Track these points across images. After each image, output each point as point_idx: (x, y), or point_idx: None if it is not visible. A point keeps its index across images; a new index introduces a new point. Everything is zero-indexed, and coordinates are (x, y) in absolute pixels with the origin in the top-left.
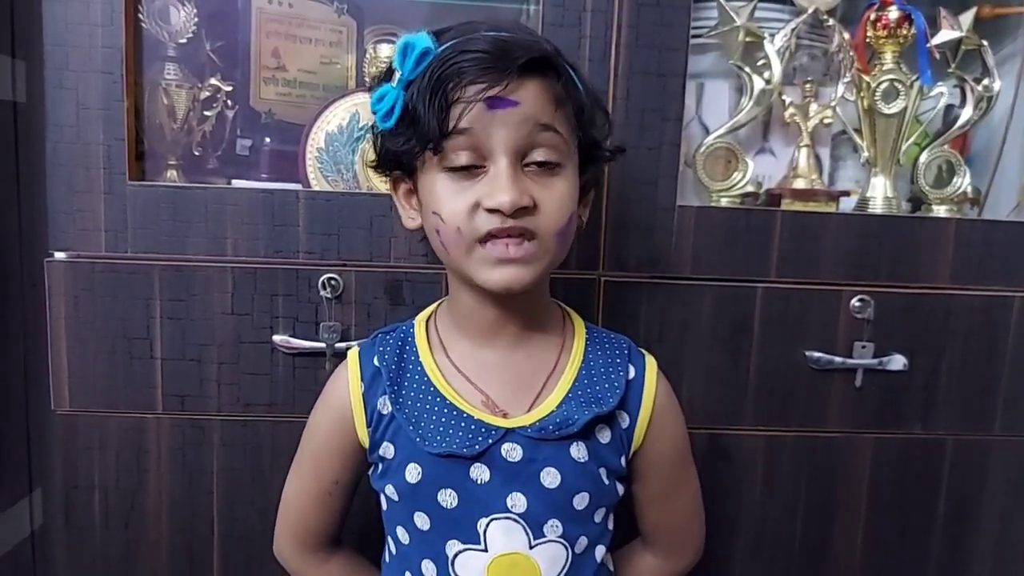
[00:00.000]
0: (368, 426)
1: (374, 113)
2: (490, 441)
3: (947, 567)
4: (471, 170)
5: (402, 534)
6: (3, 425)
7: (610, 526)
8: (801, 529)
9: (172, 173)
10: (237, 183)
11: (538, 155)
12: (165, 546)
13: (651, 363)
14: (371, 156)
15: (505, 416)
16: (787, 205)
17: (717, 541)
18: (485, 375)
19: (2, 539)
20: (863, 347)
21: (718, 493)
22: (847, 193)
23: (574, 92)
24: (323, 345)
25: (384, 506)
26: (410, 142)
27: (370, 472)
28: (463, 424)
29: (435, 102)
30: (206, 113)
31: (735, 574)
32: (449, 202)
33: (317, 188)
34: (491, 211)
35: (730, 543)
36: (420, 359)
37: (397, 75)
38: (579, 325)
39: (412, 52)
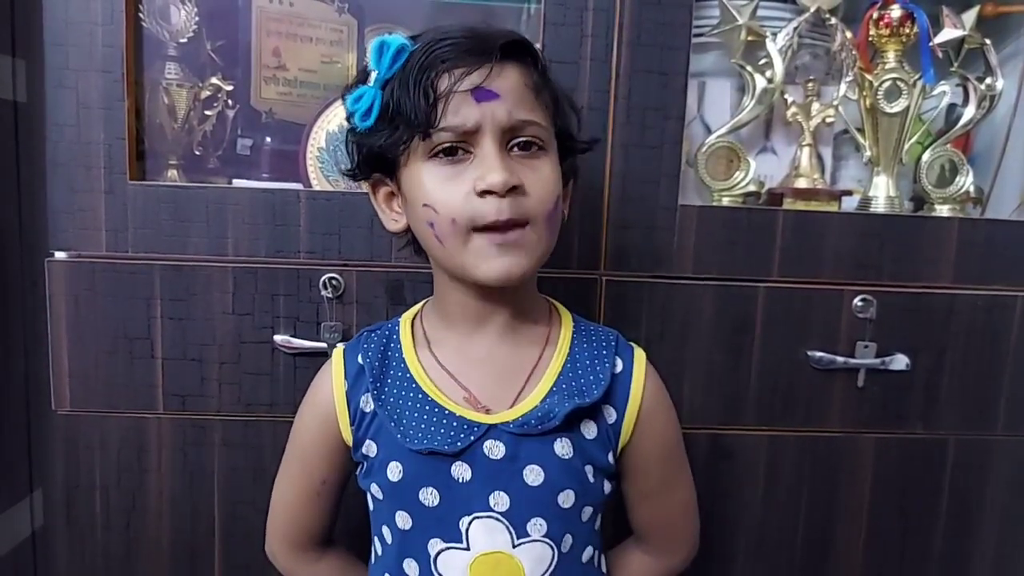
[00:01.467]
0: (351, 424)
1: (350, 116)
2: (472, 438)
3: (949, 567)
4: (457, 154)
5: (387, 533)
6: (3, 425)
7: (598, 526)
8: (803, 529)
9: (173, 173)
10: (238, 183)
11: (520, 138)
12: (166, 546)
13: (639, 356)
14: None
15: (487, 412)
16: (789, 204)
17: (719, 541)
18: (468, 371)
19: (3, 539)
20: (865, 347)
21: (720, 493)
22: (849, 192)
23: (548, 81)
24: (324, 345)
25: (371, 506)
26: (395, 134)
27: (357, 471)
28: (444, 421)
29: (419, 90)
30: (207, 112)
31: (737, 573)
32: (440, 191)
33: (318, 188)
34: (483, 194)
35: (732, 543)
36: (403, 356)
37: (373, 75)
38: (566, 319)
39: (388, 50)
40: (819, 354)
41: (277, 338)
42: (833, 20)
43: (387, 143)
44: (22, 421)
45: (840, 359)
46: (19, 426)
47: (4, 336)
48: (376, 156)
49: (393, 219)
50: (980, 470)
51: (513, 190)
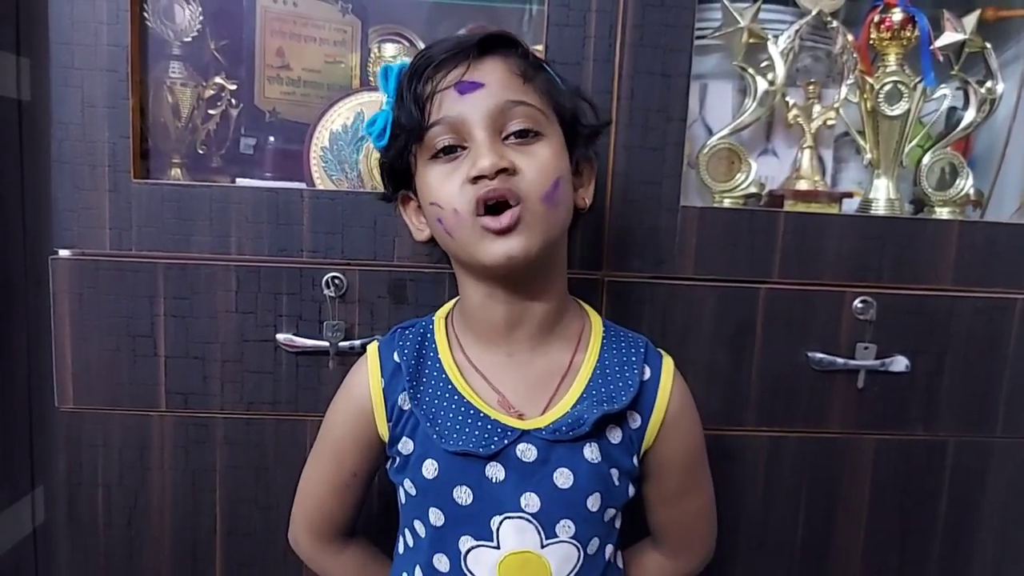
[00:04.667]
0: (388, 421)
1: (369, 138)
2: (506, 442)
3: (948, 568)
4: (455, 152)
5: (419, 527)
6: (6, 422)
7: (618, 524)
8: (803, 530)
9: (176, 171)
10: (241, 182)
11: (515, 126)
12: (167, 544)
13: (668, 364)
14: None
15: (521, 417)
16: (790, 206)
17: (719, 541)
18: (501, 374)
19: (4, 536)
20: (865, 348)
21: (720, 494)
22: (850, 195)
23: (541, 70)
24: (326, 344)
25: (402, 499)
26: (397, 143)
27: (388, 465)
28: (480, 423)
29: (410, 97)
30: (210, 112)
31: (736, 573)
32: (441, 187)
33: (321, 187)
34: (476, 180)
35: (732, 543)
36: (439, 356)
37: (384, 100)
38: (596, 322)
39: (392, 73)
40: (819, 355)
41: (280, 337)
42: (834, 23)
43: (394, 154)
44: (25, 418)
45: (840, 360)
46: (22, 423)
47: (8, 333)
48: (395, 171)
49: (419, 229)
50: (980, 472)
51: (504, 172)
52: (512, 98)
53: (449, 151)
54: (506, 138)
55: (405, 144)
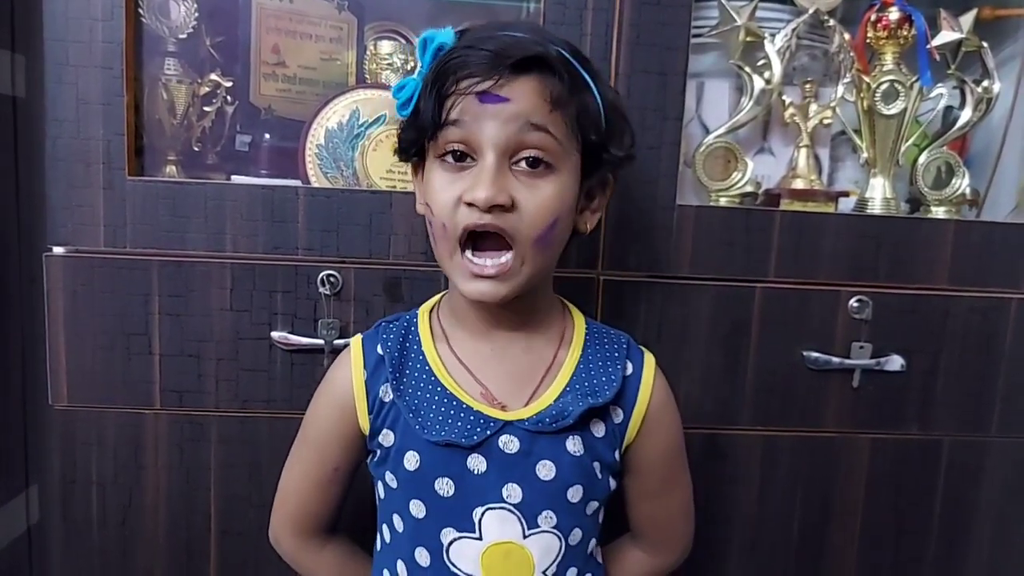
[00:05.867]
0: (369, 413)
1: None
2: (488, 432)
3: (943, 567)
4: (462, 161)
5: (397, 522)
6: (0, 420)
7: (600, 519)
8: (797, 529)
9: (171, 169)
10: (236, 179)
11: (527, 154)
12: (162, 542)
13: (649, 360)
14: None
15: (503, 408)
16: (786, 205)
17: (714, 541)
18: (485, 367)
19: None
20: (861, 347)
21: (715, 493)
22: (846, 194)
23: (578, 94)
24: (321, 342)
25: (381, 494)
26: (410, 132)
27: (368, 460)
28: (462, 415)
29: (433, 92)
30: (206, 109)
31: (730, 573)
32: (439, 193)
33: (317, 185)
34: (469, 204)
35: (727, 542)
36: (422, 348)
37: (419, 67)
38: (579, 320)
39: (430, 46)
40: (815, 355)
41: (274, 335)
42: (831, 22)
43: (407, 138)
44: (19, 416)
45: (836, 360)
46: (16, 421)
47: (1, 330)
48: (409, 150)
49: (422, 202)
50: (974, 471)
51: (499, 208)
52: (533, 120)
53: (459, 157)
54: (516, 162)
55: (416, 137)
